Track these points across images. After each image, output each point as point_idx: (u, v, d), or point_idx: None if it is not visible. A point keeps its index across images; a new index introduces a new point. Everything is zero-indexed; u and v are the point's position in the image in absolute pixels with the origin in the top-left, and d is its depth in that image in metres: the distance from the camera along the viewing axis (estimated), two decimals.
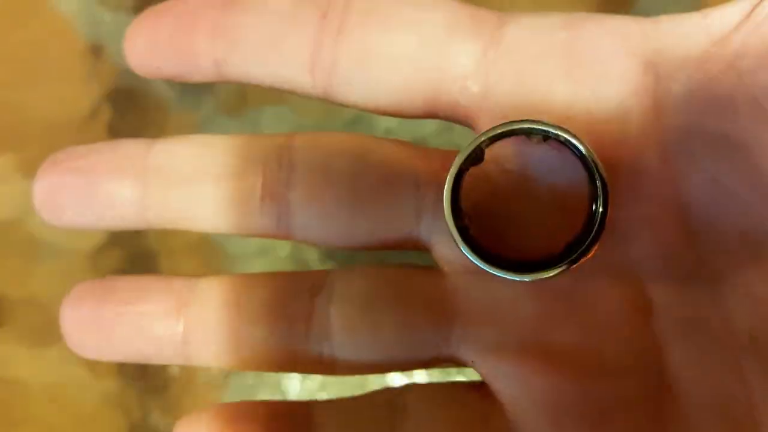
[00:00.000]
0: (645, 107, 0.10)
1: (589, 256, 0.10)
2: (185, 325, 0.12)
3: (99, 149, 0.13)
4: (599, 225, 0.10)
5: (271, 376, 0.30)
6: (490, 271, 0.10)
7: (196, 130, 0.32)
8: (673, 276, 0.10)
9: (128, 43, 0.13)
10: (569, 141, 0.10)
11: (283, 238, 0.12)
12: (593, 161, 0.10)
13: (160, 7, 0.12)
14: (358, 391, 0.30)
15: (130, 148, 0.13)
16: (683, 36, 0.10)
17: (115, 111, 0.33)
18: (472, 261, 0.10)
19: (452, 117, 0.11)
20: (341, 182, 0.11)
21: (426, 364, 0.12)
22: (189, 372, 0.30)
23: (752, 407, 0.10)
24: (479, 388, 0.11)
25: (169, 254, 0.31)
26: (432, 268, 0.12)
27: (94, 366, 0.31)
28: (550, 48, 0.10)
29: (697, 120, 0.10)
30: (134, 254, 0.31)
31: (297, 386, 0.30)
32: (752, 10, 0.10)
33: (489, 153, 0.10)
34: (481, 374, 0.11)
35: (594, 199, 0.10)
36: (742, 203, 0.10)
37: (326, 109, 0.32)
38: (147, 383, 0.30)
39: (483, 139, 0.10)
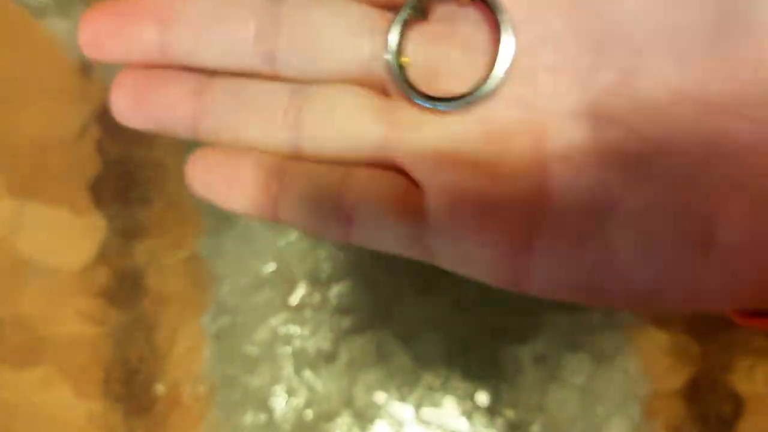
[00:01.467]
0: None
1: (494, 90, 0.13)
2: (199, 105, 0.15)
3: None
4: (503, 65, 0.13)
5: (258, 394, 0.30)
6: (413, 99, 0.13)
7: (185, 149, 0.32)
8: (566, 111, 0.14)
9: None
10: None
11: (270, 75, 0.15)
12: (500, 11, 0.13)
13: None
14: (343, 409, 0.30)
15: None
16: None
17: (103, 130, 0.33)
18: (402, 90, 0.13)
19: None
20: (318, 23, 0.14)
21: (365, 162, 0.15)
22: (175, 391, 0.30)
23: (614, 218, 0.13)
24: (406, 175, 0.15)
25: (157, 272, 0.31)
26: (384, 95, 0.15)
27: (79, 386, 0.31)
28: None
29: None
30: (122, 272, 0.32)
31: (283, 404, 0.30)
32: None
33: (433, 15, 0.13)
34: (405, 168, 0.15)
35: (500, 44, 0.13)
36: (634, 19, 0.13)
37: None
38: (132, 404, 0.30)
39: None
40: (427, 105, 0.13)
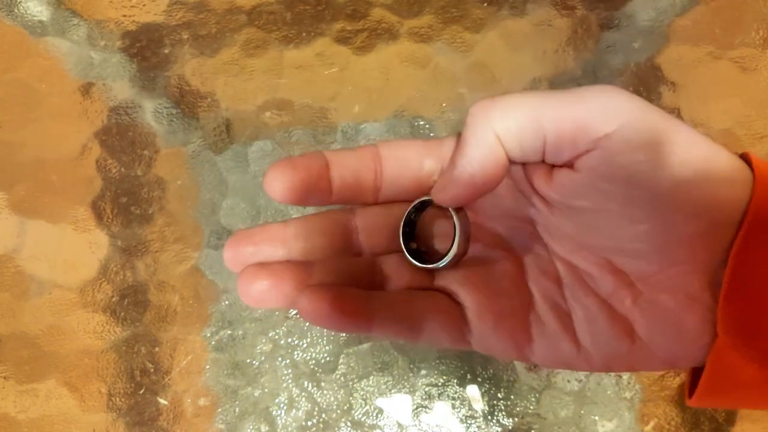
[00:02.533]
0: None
1: (460, 252, 0.22)
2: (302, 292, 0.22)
3: (259, 230, 0.23)
4: (459, 244, 0.21)
5: (259, 406, 0.31)
6: (419, 265, 0.22)
7: (184, 164, 0.33)
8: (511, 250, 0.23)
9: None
10: (447, 207, 0.21)
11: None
12: (455, 215, 0.21)
13: (293, 160, 0.22)
14: (343, 418, 0.30)
15: (275, 227, 0.23)
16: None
17: (104, 147, 0.34)
18: (413, 262, 0.22)
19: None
20: (373, 223, 0.23)
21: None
22: (177, 404, 0.31)
23: (573, 322, 0.21)
24: (450, 296, 0.22)
25: (158, 287, 0.32)
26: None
27: (83, 400, 0.31)
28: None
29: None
30: (124, 288, 0.32)
31: (284, 415, 0.30)
32: None
33: (431, 208, 0.23)
34: (449, 293, 0.22)
35: (455, 228, 0.22)
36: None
37: (307, 142, 0.33)
38: (135, 417, 0.31)
39: (415, 203, 0.22)
40: (425, 266, 0.22)
